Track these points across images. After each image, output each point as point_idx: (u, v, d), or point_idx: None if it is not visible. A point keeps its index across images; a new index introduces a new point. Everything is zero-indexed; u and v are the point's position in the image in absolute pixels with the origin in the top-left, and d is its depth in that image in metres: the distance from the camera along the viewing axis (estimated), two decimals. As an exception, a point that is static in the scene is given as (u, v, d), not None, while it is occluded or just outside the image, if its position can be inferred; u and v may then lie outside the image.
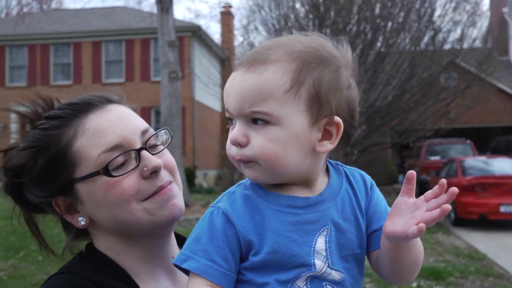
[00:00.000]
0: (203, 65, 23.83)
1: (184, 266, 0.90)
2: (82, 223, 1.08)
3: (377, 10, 16.09)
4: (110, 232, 1.07)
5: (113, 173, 1.01)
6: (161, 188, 1.05)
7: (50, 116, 1.07)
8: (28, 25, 24.00)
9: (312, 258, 0.91)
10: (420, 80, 17.23)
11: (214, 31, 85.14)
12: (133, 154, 1.03)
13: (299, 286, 0.91)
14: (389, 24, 16.59)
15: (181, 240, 1.17)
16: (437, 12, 18.38)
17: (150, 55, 23.98)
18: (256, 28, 18.52)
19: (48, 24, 24.94)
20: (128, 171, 1.02)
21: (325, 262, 0.93)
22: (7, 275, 7.40)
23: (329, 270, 0.93)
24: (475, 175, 12.40)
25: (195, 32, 23.95)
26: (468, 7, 18.94)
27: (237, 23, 28.73)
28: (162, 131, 1.12)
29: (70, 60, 24.64)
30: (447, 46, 19.56)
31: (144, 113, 21.72)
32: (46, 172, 1.04)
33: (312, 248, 0.92)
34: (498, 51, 25.57)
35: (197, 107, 24.02)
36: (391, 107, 16.73)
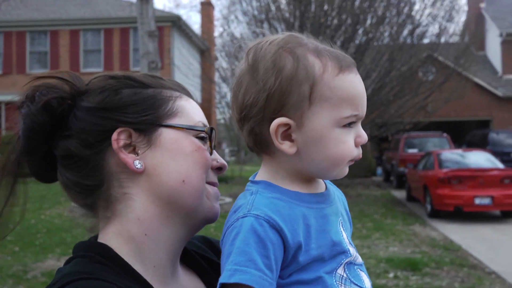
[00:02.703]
0: (183, 56, 23.68)
1: (232, 281, 0.84)
2: (139, 166, 0.96)
3: (357, 3, 16.17)
4: (159, 194, 0.98)
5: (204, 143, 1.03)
6: (217, 184, 1.07)
7: (155, 76, 1.07)
8: (4, 12, 23.45)
9: (346, 244, 0.96)
10: (399, 74, 17.43)
11: (194, 21, 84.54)
12: (212, 141, 1.06)
13: (340, 274, 0.94)
14: (369, 17, 16.70)
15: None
16: (416, 6, 18.58)
17: (129, 44, 23.71)
18: (236, 18, 18.47)
19: (25, 11, 24.43)
20: (212, 149, 1.04)
21: (353, 247, 0.99)
22: (-18, 267, 7.28)
23: (356, 254, 0.99)
24: (451, 168, 12.62)
25: (175, 22, 23.75)
26: (446, 1, 19.18)
27: (217, 13, 28.60)
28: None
29: (47, 49, 24.21)
30: (425, 41, 19.80)
31: (123, 104, 21.48)
32: (135, 104, 0.99)
33: (342, 236, 0.96)
34: (475, 46, 25.96)
35: (176, 98, 23.85)
36: (371, 100, 16.88)
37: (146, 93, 1.01)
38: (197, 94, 26.90)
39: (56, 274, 0.92)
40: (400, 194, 17.27)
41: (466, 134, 24.50)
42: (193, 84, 22.43)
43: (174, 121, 1.00)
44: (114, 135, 0.97)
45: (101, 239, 0.99)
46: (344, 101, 0.92)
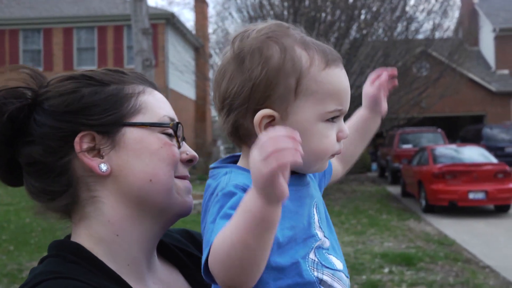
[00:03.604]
0: (178, 53, 23.61)
1: (220, 223, 0.80)
2: (104, 168, 0.94)
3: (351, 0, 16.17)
4: (128, 195, 0.96)
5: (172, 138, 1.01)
6: (188, 177, 1.06)
7: (117, 70, 1.05)
8: (-4, 10, 23.34)
9: (314, 228, 0.95)
10: (393, 70, 17.44)
11: (188, 18, 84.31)
12: (181, 135, 1.04)
13: (312, 259, 0.93)
14: (363, 13, 16.70)
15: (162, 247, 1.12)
16: (411, 2, 18.60)
17: (123, 42, 23.61)
18: (231, 15, 18.44)
19: (18, 9, 24.28)
20: (179, 144, 1.03)
21: (322, 231, 0.97)
22: (-23, 266, 7.26)
23: (324, 238, 0.97)
24: (445, 163, 12.67)
25: (169, 20, 23.67)
26: (440, -3, 19.21)
27: (211, 10, 28.54)
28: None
29: (40, 47, 24.07)
30: (420, 36, 19.83)
31: (117, 101, 21.41)
32: (96, 104, 0.96)
33: (313, 220, 0.96)
34: (469, 42, 26.05)
35: (171, 95, 23.81)
36: (365, 96, 16.89)
37: (107, 92, 0.98)
38: (191, 91, 26.89)
39: (29, 274, 0.91)
40: (395, 189, 17.33)
41: (460, 130, 24.61)
42: (187, 81, 22.39)
43: (138, 119, 0.98)
44: (77, 140, 0.94)
45: (73, 239, 0.98)
46: (330, 95, 0.92)
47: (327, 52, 0.94)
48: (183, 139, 1.05)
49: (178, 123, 1.02)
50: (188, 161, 1.05)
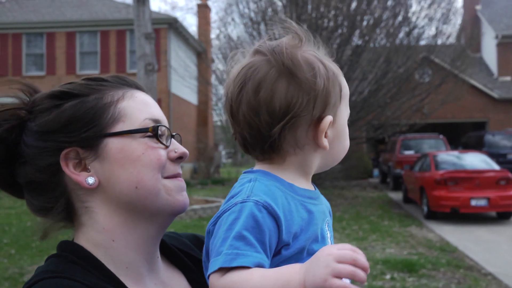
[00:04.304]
0: (180, 58, 23.66)
1: (235, 264, 0.84)
2: (91, 182, 0.98)
3: (353, 5, 16.19)
4: (118, 203, 1.00)
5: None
6: (179, 175, 1.06)
7: (96, 78, 1.06)
8: (0, 14, 23.41)
9: (327, 244, 0.99)
10: (396, 76, 17.46)
11: (190, 23, 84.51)
12: (167, 133, 1.05)
13: None
14: (366, 19, 16.72)
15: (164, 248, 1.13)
16: (413, 8, 18.62)
17: (126, 46, 23.68)
18: (233, 20, 18.47)
19: (21, 13, 24.38)
20: (164, 145, 1.03)
21: None
22: (-23, 270, 7.25)
23: None
24: (447, 169, 12.65)
25: (172, 24, 23.74)
26: (443, 3, 19.23)
27: (214, 15, 28.60)
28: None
29: (43, 51, 24.15)
30: (422, 42, 19.84)
31: (120, 106, 21.43)
32: (76, 120, 0.99)
33: (326, 235, 1.01)
34: (471, 48, 26.05)
35: (173, 99, 23.85)
36: (367, 102, 16.90)
37: (87, 104, 1.00)
38: (194, 96, 26.93)
39: (34, 272, 0.96)
40: (397, 195, 17.29)
41: (462, 136, 24.56)
42: (189, 86, 22.43)
43: (118, 128, 1.00)
44: (62, 157, 0.98)
45: (75, 240, 1.03)
46: (347, 98, 1.04)
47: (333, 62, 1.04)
48: (172, 136, 1.07)
49: (158, 126, 1.02)
50: (179, 158, 1.06)
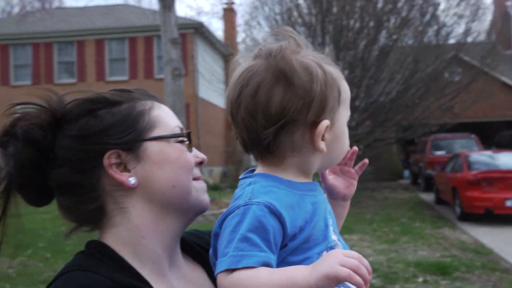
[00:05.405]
0: (206, 62, 23.83)
1: (240, 265, 0.89)
2: (133, 182, 1.05)
3: (380, 5, 16.03)
4: (153, 202, 1.06)
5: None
6: (201, 177, 1.15)
7: (123, 89, 1.13)
8: (31, 24, 24.06)
9: (330, 232, 1.04)
10: (424, 75, 17.18)
11: (216, 27, 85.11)
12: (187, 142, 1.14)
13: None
14: (392, 19, 16.53)
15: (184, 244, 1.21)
16: (441, 6, 18.31)
17: (153, 52, 24.00)
18: (259, 23, 18.52)
19: (51, 22, 24.99)
20: (191, 150, 1.13)
21: (336, 235, 1.07)
22: (15, 273, 7.45)
23: (338, 242, 1.06)
24: (480, 170, 12.36)
25: (198, 29, 23.95)
26: (472, 1, 18.85)
27: (239, 19, 28.73)
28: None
29: (73, 59, 24.69)
30: (451, 41, 19.48)
31: (148, 111, 21.72)
32: (117, 125, 1.05)
33: (329, 223, 1.05)
34: (502, 45, 25.45)
35: (201, 104, 24.03)
36: (395, 102, 16.69)
37: (122, 112, 1.07)
38: (221, 99, 27.08)
39: (62, 268, 1.03)
40: (428, 196, 16.99)
41: (495, 135, 23.99)
42: (216, 90, 22.55)
43: (155, 133, 1.08)
44: (106, 159, 1.04)
45: (101, 240, 1.09)
46: (348, 101, 1.07)
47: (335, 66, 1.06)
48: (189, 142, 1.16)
49: (189, 132, 1.13)
50: (200, 163, 1.15)
